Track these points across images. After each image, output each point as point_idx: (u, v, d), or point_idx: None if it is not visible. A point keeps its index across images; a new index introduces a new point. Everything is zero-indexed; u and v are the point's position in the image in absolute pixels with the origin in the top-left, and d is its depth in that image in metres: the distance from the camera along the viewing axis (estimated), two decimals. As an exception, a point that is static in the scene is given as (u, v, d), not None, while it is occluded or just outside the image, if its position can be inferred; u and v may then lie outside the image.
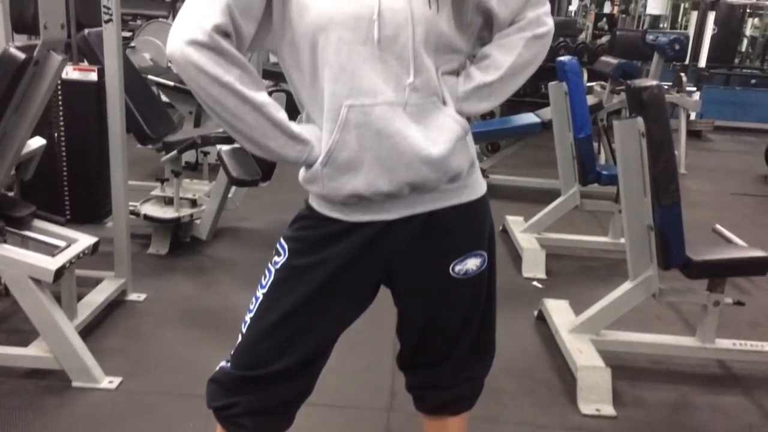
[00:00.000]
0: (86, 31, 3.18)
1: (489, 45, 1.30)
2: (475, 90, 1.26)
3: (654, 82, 2.18)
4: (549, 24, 1.30)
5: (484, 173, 4.71)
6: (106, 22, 2.56)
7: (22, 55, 2.05)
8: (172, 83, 4.32)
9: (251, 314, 1.28)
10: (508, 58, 1.27)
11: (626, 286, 2.41)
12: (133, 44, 4.96)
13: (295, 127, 1.17)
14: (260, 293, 1.28)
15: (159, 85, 4.37)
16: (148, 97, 3.58)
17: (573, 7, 12.19)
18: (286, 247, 1.26)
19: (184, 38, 1.09)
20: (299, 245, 1.25)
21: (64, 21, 2.19)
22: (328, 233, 1.23)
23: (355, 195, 1.18)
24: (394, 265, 1.26)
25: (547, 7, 1.32)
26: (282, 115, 1.16)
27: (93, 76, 2.68)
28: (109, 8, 2.55)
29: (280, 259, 1.26)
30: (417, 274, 1.28)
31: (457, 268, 1.28)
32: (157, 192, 3.42)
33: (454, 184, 1.24)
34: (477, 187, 1.30)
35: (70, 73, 2.67)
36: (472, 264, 1.29)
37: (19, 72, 2.06)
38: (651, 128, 2.14)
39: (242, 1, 1.13)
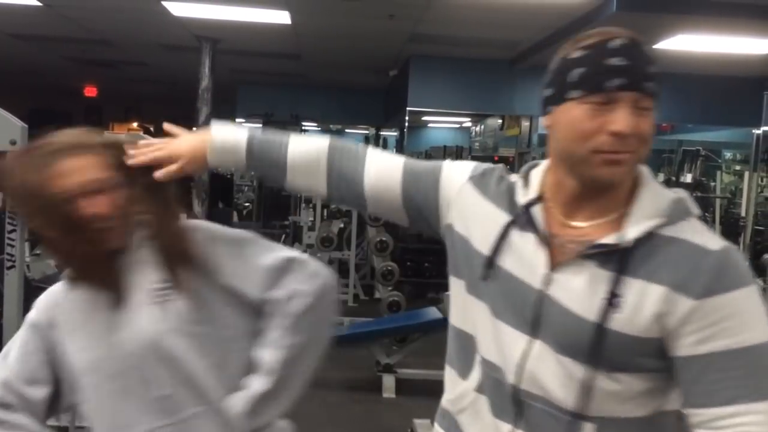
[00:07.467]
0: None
1: (258, 347, 1.21)
2: (259, 402, 1.18)
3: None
4: (308, 291, 1.17)
5: (392, 370, 4.82)
6: (9, 268, 2.59)
7: None
8: (76, 293, 4.27)
9: None
10: (279, 356, 1.19)
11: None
12: (38, 251, 4.93)
13: None
14: None
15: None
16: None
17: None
18: None
19: None
20: None
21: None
22: None
23: None
24: None
25: (304, 271, 1.20)
26: None
27: (-10, 322, 2.65)
28: (12, 255, 2.60)
29: None
30: None
31: None
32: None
33: None
34: None
35: (-33, 319, 2.64)
36: None
37: None
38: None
39: (25, 372, 1.22)
